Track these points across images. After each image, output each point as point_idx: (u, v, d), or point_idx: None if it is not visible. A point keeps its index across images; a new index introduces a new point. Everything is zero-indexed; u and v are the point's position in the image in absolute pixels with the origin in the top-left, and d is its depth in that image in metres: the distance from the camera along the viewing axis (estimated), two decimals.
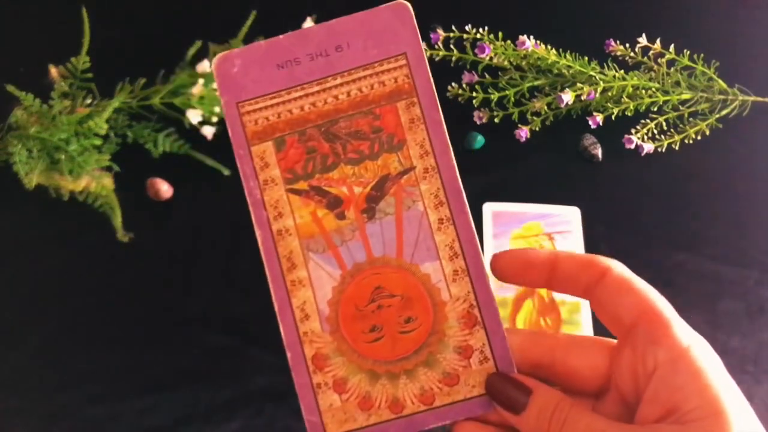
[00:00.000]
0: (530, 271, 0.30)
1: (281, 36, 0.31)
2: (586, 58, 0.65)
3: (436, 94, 0.31)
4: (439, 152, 0.31)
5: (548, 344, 0.30)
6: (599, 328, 0.56)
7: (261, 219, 0.31)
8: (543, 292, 0.58)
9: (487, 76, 0.66)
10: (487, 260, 0.30)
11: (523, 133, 0.65)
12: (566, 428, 0.27)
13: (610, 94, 0.64)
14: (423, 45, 0.31)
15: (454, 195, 0.31)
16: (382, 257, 0.31)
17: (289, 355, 0.30)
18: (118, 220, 0.59)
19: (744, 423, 0.24)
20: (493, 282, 0.31)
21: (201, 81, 0.62)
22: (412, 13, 0.31)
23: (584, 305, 0.57)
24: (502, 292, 0.58)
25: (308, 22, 0.65)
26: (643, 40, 0.65)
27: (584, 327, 0.57)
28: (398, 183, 0.31)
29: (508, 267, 0.30)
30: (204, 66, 0.63)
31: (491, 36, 0.64)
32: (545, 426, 0.27)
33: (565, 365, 0.29)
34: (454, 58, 0.65)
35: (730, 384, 0.25)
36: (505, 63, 0.65)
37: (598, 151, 0.65)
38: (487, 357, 0.30)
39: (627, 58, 0.66)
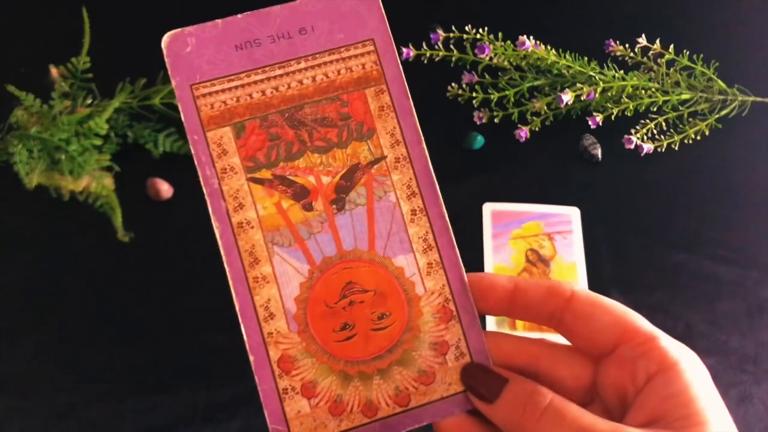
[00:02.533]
0: (489, 297, 0.29)
1: (239, 15, 0.29)
2: (586, 58, 0.65)
3: (405, 82, 0.30)
4: (411, 142, 0.30)
5: (534, 352, 0.29)
6: None
7: (219, 210, 0.29)
8: None
9: (487, 76, 0.66)
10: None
11: (523, 133, 0.65)
12: (547, 419, 0.26)
13: (609, 94, 0.64)
14: (390, 34, 0.30)
15: (427, 186, 0.30)
16: (353, 250, 0.29)
17: (252, 358, 0.29)
18: (118, 220, 0.59)
19: None
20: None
21: None
22: (380, 1, 0.30)
23: None
24: None
25: None
26: (642, 40, 0.65)
27: None
28: (369, 172, 0.29)
29: None
30: None
31: (491, 36, 0.64)
32: (518, 415, 0.26)
33: (550, 375, 0.29)
34: (454, 58, 0.65)
35: (715, 396, 0.26)
36: (505, 63, 0.65)
37: (598, 151, 0.65)
38: (463, 353, 0.29)
39: (627, 58, 0.66)
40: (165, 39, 0.29)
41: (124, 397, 0.54)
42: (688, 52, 0.65)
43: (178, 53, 0.29)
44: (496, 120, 0.65)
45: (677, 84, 0.66)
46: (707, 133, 0.65)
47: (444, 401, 0.29)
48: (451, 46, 0.65)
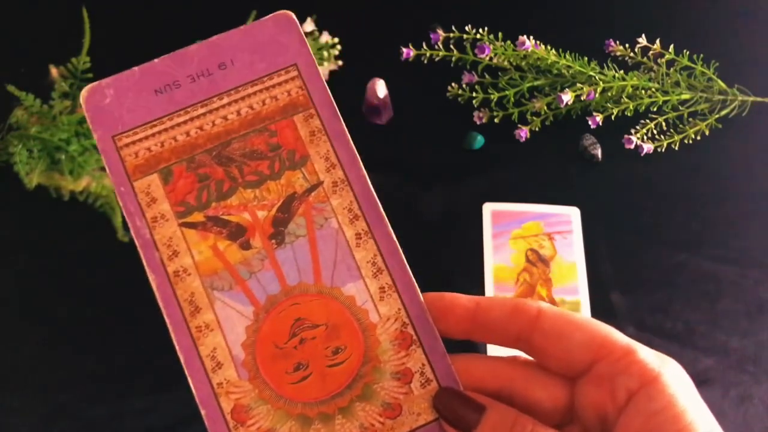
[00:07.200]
0: (449, 317, 0.27)
1: (156, 60, 0.29)
2: (586, 58, 0.65)
3: (335, 103, 0.29)
4: (347, 163, 0.28)
5: (507, 374, 0.28)
6: None
7: (153, 261, 0.28)
8: (542, 293, 0.58)
9: (487, 76, 0.66)
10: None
11: (523, 133, 0.65)
12: None
13: (609, 94, 0.64)
14: (313, 55, 0.29)
15: (370, 207, 0.28)
16: (298, 285, 0.28)
17: (203, 412, 0.27)
18: (118, 220, 0.59)
19: None
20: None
21: None
22: (297, 22, 0.29)
23: (584, 306, 0.57)
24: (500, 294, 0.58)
25: (308, 23, 0.65)
26: (642, 41, 0.65)
27: None
28: (306, 201, 0.28)
29: None
30: None
31: (491, 36, 0.64)
32: None
33: (525, 397, 0.27)
34: (454, 58, 0.65)
35: (702, 406, 0.25)
36: (505, 63, 0.65)
37: (598, 151, 0.65)
38: (429, 379, 0.27)
39: (627, 58, 0.66)
40: (83, 94, 0.28)
41: (124, 397, 0.54)
42: (688, 52, 0.65)
43: (97, 106, 0.28)
44: (496, 120, 0.65)
45: (677, 84, 0.66)
46: (707, 133, 0.65)
47: None
48: (451, 46, 0.65)
